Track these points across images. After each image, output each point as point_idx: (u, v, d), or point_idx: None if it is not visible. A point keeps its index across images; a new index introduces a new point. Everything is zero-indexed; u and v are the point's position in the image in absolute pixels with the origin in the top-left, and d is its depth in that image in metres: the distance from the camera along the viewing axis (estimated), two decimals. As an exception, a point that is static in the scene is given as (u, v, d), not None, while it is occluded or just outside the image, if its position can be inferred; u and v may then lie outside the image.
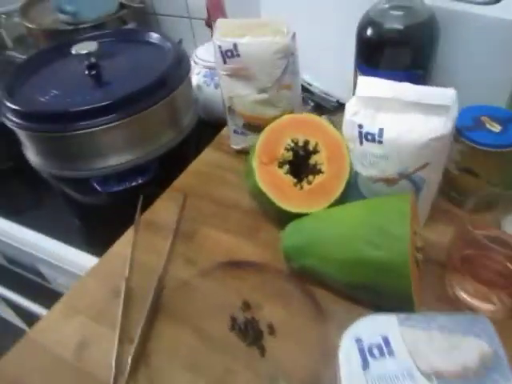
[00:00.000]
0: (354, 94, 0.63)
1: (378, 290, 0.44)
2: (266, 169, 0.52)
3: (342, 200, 0.52)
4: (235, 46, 0.57)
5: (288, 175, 0.52)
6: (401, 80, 0.49)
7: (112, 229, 0.62)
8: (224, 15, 0.82)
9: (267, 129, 0.53)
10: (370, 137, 0.48)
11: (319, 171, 0.52)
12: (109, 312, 0.51)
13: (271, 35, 0.57)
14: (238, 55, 0.58)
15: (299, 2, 0.69)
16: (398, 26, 0.52)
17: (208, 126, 0.81)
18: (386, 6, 0.53)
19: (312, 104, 0.75)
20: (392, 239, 0.42)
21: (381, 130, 0.47)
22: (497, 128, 0.51)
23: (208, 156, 0.72)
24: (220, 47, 0.58)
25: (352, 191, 0.54)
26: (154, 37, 0.75)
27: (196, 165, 0.70)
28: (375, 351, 0.39)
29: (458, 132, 0.52)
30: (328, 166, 0.52)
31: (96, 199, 0.71)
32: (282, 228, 0.57)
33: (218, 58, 0.60)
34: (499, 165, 0.52)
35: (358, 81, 0.48)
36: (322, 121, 0.54)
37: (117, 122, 0.62)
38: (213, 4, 0.83)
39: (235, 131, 0.68)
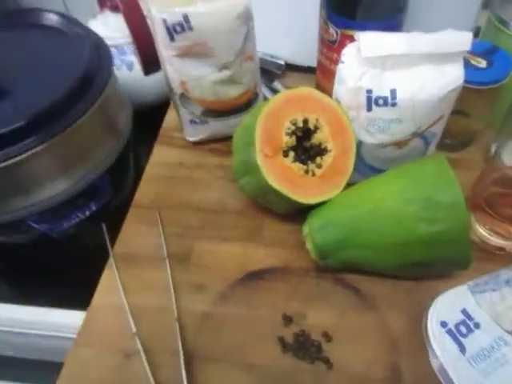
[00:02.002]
0: (321, 50, 0.57)
1: (434, 263, 0.41)
2: (272, 162, 0.44)
3: (350, 176, 0.47)
4: (186, 17, 0.46)
5: (296, 163, 0.45)
6: (384, 28, 0.44)
7: (84, 273, 0.49)
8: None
9: (262, 116, 0.44)
10: (381, 101, 0.43)
11: (325, 150, 0.46)
12: (124, 381, 0.40)
13: (227, -2, 0.47)
14: (191, 28, 0.47)
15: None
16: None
17: (134, 117, 0.67)
18: None
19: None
20: (445, 209, 0.39)
21: (393, 92, 0.42)
22: (482, 63, 0.50)
23: (161, 156, 0.60)
24: (165, 22, 0.46)
25: (356, 163, 0.49)
26: (53, 19, 0.57)
27: (152, 170, 0.58)
28: (463, 329, 0.37)
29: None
30: (334, 143, 0.46)
31: (48, 243, 0.54)
32: (287, 220, 0.51)
33: (163, 35, 0.48)
34: (489, 101, 0.51)
35: (360, 39, 0.41)
36: (316, 92, 0.46)
37: (39, 147, 0.46)
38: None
39: (192, 121, 0.57)
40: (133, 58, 0.71)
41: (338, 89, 0.46)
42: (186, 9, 0.46)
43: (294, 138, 0.45)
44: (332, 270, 0.46)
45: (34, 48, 0.56)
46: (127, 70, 0.73)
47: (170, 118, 0.64)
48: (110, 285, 0.47)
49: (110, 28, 0.71)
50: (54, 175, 0.51)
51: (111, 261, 0.48)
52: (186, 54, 0.49)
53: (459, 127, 0.54)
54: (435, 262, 0.41)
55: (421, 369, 0.39)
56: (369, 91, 0.43)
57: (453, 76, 0.42)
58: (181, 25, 0.47)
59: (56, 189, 0.51)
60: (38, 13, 0.58)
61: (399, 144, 0.47)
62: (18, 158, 0.46)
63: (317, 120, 0.46)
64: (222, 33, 0.48)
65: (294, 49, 0.66)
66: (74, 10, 0.93)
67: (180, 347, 0.41)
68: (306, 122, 0.45)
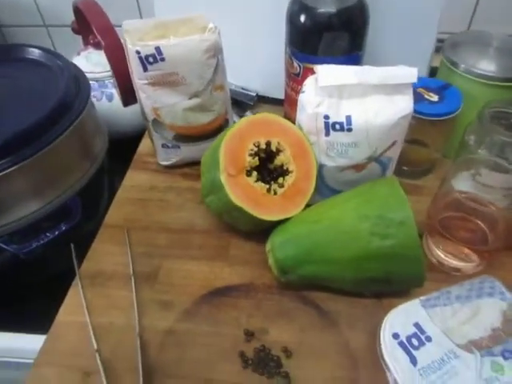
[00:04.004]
0: (287, 82, 0.61)
1: (388, 279, 0.43)
2: (235, 181, 0.46)
3: (311, 197, 0.50)
4: (158, 49, 0.49)
5: (258, 183, 0.47)
6: (342, 63, 0.48)
7: (51, 294, 0.49)
8: (106, 19, 0.71)
9: (226, 138, 0.47)
10: (337, 126, 0.46)
11: (287, 171, 0.49)
12: (85, 399, 0.40)
13: (198, 32, 0.51)
14: (163, 59, 0.50)
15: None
16: (332, 9, 0.50)
17: (111, 145, 0.70)
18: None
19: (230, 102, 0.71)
20: (396, 225, 0.41)
21: (348, 118, 0.46)
22: (434, 98, 0.54)
23: (133, 179, 0.62)
24: (138, 53, 0.50)
25: (318, 185, 0.52)
26: (35, 52, 0.61)
27: (124, 193, 0.60)
28: (414, 342, 0.38)
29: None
30: (295, 164, 0.49)
31: (15, 263, 0.54)
32: (253, 240, 0.52)
33: (136, 66, 0.51)
34: (442, 131, 0.55)
35: (318, 71, 0.45)
36: (279, 118, 0.50)
37: (13, 167, 0.48)
38: (88, 5, 0.72)
39: (164, 145, 0.59)
40: (113, 91, 0.75)
41: (300, 116, 0.49)
42: (158, 42, 0.49)
43: (256, 158, 0.47)
44: (294, 288, 0.48)
45: (17, 79, 0.59)
46: (107, 101, 0.76)
47: (145, 144, 0.67)
48: (74, 303, 0.47)
49: (92, 63, 0.76)
50: (25, 196, 0.52)
51: (77, 279, 0.49)
52: (158, 82, 0.52)
53: (418, 156, 0.58)
54: (390, 278, 0.43)
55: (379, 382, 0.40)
56: (326, 117, 0.46)
57: (402, 105, 0.45)
58: (153, 56, 0.50)
59: (27, 210, 0.52)
60: (22, 48, 0.61)
61: (357, 167, 0.50)
62: None
63: (279, 143, 0.49)
64: (192, 64, 0.51)
65: (265, 82, 0.70)
66: (60, 46, 0.98)
67: (139, 363, 0.41)
68: (268, 144, 0.48)
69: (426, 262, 0.51)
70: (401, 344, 0.38)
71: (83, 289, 0.49)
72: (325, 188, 0.52)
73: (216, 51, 0.52)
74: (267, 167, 0.49)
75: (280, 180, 0.48)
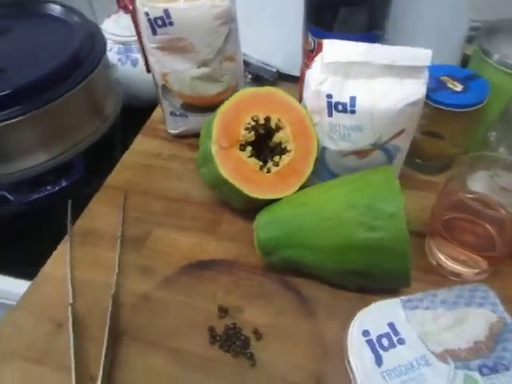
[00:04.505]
0: (303, 60, 0.58)
1: (372, 273, 0.41)
2: (226, 154, 0.45)
3: (309, 180, 0.47)
4: (167, 12, 0.48)
5: (252, 158, 0.46)
6: (359, 41, 0.44)
7: (42, 245, 0.50)
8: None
9: (222, 108, 0.45)
10: (340, 107, 0.44)
11: (285, 150, 0.47)
12: (55, 349, 0.41)
13: (209, -3, 0.49)
14: (171, 23, 0.49)
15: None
16: (353, -19, 0.47)
17: (130, 111, 0.70)
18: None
19: (250, 76, 0.69)
20: (386, 217, 0.38)
21: (352, 99, 0.43)
22: (458, 87, 0.49)
23: (142, 145, 0.62)
24: (147, 15, 0.49)
25: (318, 169, 0.50)
26: (57, 9, 0.62)
27: (130, 156, 0.60)
28: (385, 342, 0.36)
29: (421, 93, 0.49)
30: (294, 144, 0.47)
31: (13, 212, 0.57)
32: (246, 217, 0.51)
33: (146, 28, 0.50)
34: (463, 125, 0.50)
35: (324, 45, 0.42)
36: (283, 93, 0.48)
37: (22, 117, 0.50)
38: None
39: (172, 113, 0.59)
40: (138, 56, 0.74)
41: (304, 93, 0.47)
42: (167, 4, 0.48)
43: (252, 133, 0.46)
44: (278, 271, 0.46)
45: (35, 33, 0.60)
46: (132, 65, 0.76)
47: (158, 111, 0.67)
48: (62, 257, 0.48)
49: (121, 26, 0.76)
50: (32, 148, 0.54)
51: (68, 235, 0.50)
52: (167, 47, 0.51)
53: (434, 149, 0.53)
54: (374, 272, 0.40)
55: (344, 381, 0.38)
56: (329, 96, 0.44)
57: (412, 90, 0.42)
58: (162, 19, 0.49)
59: (32, 162, 0.54)
60: (43, 3, 0.62)
61: (360, 154, 0.47)
62: (2, 124, 0.49)
63: (279, 120, 0.46)
64: (201, 30, 0.50)
65: (286, 59, 0.67)
66: (99, 8, 0.99)
67: (107, 323, 0.41)
68: (268, 119, 0.46)
69: (425, 264, 0.47)
70: (369, 342, 0.36)
71: (73, 245, 0.50)
72: (326, 172, 0.50)
73: (228, 19, 0.50)
74: (267, 144, 0.47)
75: (276, 158, 0.46)
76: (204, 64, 0.53)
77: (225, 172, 0.44)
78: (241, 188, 0.44)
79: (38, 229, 0.57)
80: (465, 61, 0.60)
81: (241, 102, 0.46)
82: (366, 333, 0.36)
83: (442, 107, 0.48)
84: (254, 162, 0.45)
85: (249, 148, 0.46)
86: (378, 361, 0.35)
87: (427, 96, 0.49)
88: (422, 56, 0.41)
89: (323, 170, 0.50)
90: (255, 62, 0.69)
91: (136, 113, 0.67)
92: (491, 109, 0.50)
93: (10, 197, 0.53)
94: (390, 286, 0.42)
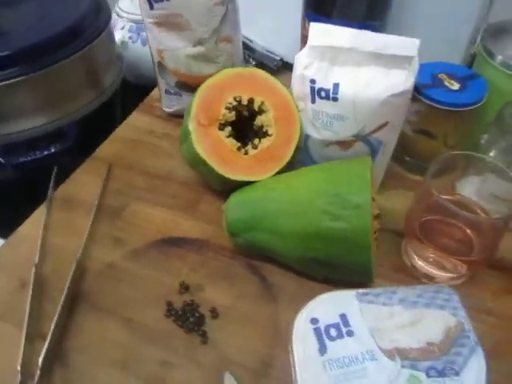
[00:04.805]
0: (301, 48, 0.57)
1: (334, 264, 0.39)
2: (204, 132, 0.44)
3: (291, 167, 0.46)
4: (163, -14, 0.48)
5: (230, 139, 0.45)
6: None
7: (22, 208, 0.51)
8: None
9: (205, 84, 0.45)
10: (323, 93, 0.43)
11: (266, 134, 0.46)
12: (16, 306, 0.42)
13: (206, -25, 0.49)
14: (168, -2, 0.49)
15: None
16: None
17: (136, 89, 0.71)
18: None
19: (254, 63, 0.68)
20: (351, 208, 0.37)
21: (336, 86, 0.42)
22: (455, 86, 0.47)
23: (136, 121, 0.62)
24: (145, -12, 0.49)
25: (302, 157, 0.49)
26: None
27: (122, 131, 0.61)
28: (333, 332, 0.35)
29: (415, 90, 0.48)
30: (276, 129, 0.46)
31: (1, 173, 0.59)
32: (225, 199, 0.50)
33: (143, 2, 0.50)
34: (457, 125, 0.48)
35: (310, 28, 0.41)
36: (269, 76, 0.47)
37: (20, 78, 0.52)
38: None
39: (167, 91, 0.59)
40: (149, 35, 0.75)
41: (292, 78, 0.46)
42: (164, -22, 0.48)
43: (233, 113, 0.45)
44: (248, 255, 0.46)
45: (41, 2, 0.61)
46: (141, 44, 0.77)
47: (157, 89, 0.67)
48: (38, 220, 0.49)
49: (135, 5, 0.76)
50: (28, 111, 0.55)
51: (48, 200, 0.51)
52: (163, 23, 0.52)
53: (424, 148, 0.52)
54: (336, 263, 0.39)
55: (291, 368, 0.37)
56: (312, 81, 0.43)
57: (397, 81, 0.40)
58: (159, -7, 0.49)
59: (28, 124, 0.55)
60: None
61: (343, 144, 0.45)
62: (0, 84, 0.51)
63: (263, 103, 0.46)
64: (197, 8, 0.50)
65: (290, 47, 0.66)
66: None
67: (66, 286, 0.41)
68: (251, 102, 0.46)
69: (399, 263, 0.46)
70: (316, 330, 0.34)
71: (52, 210, 0.50)
72: (309, 160, 0.49)
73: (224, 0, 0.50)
74: (252, 128, 0.47)
75: (256, 141, 0.46)
76: (199, 43, 0.53)
77: (200, 149, 0.44)
78: (215, 167, 0.44)
79: (22, 192, 0.59)
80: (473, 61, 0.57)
81: (225, 81, 0.46)
82: (314, 320, 0.35)
83: (435, 105, 0.47)
84: (232, 143, 0.45)
85: (228, 128, 0.45)
86: (322, 349, 0.33)
87: (420, 92, 0.48)
88: (409, 46, 0.39)
89: (307, 158, 0.49)
90: (260, 49, 0.68)
91: (144, 91, 0.68)
92: (491, 111, 0.48)
93: (1, 159, 0.54)
94: (354, 279, 0.41)
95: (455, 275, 0.44)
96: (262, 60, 0.68)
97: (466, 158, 0.42)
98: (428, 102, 0.47)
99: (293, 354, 0.33)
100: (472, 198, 0.44)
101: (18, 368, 0.36)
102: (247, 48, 0.68)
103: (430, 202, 0.41)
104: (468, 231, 0.42)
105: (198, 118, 0.44)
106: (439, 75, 0.49)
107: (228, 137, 0.45)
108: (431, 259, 0.44)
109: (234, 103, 0.45)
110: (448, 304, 0.36)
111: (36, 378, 0.36)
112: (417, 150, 0.51)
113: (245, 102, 0.46)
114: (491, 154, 0.46)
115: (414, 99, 0.48)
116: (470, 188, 0.47)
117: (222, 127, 0.45)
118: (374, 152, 0.46)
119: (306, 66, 0.43)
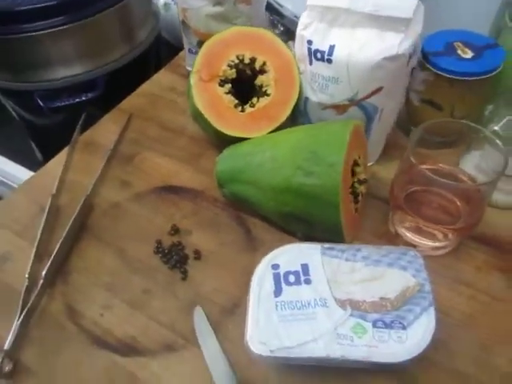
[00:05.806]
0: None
1: (309, 220, 0.41)
2: (204, 86, 0.47)
3: (289, 128, 0.48)
4: None
5: (229, 95, 0.47)
6: None
7: (54, 147, 0.57)
8: None
9: (212, 40, 0.47)
10: (319, 55, 0.43)
11: (265, 93, 0.48)
12: (33, 227, 0.48)
13: None
14: (190, -44, 0.51)
15: None
16: None
17: (176, 50, 0.75)
18: None
19: (282, 28, 0.69)
20: (324, 166, 0.38)
21: (331, 48, 0.42)
22: (468, 54, 0.45)
23: (162, 78, 0.66)
24: None
25: (302, 119, 0.50)
26: None
27: (148, 86, 0.65)
28: (291, 278, 0.37)
29: (424, 57, 0.47)
30: (275, 89, 0.47)
31: (39, 116, 0.66)
32: (223, 154, 0.53)
33: (169, -40, 0.53)
34: (465, 96, 0.46)
35: (310, -13, 0.42)
36: (274, 37, 0.48)
37: (64, 26, 0.57)
38: None
39: (190, 50, 0.62)
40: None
41: (296, 40, 0.47)
42: None
43: (234, 71, 0.47)
44: (237, 208, 0.48)
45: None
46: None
47: (185, 49, 0.70)
48: (62, 159, 0.55)
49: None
50: (67, 60, 0.61)
51: (72, 141, 0.57)
52: (187, -19, 0.54)
53: (429, 118, 0.50)
54: (309, 219, 0.41)
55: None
56: (309, 42, 0.43)
57: (390, 43, 0.40)
58: (181, -49, 0.51)
59: (64, 72, 0.61)
60: None
61: (338, 108, 0.46)
62: (46, 31, 0.57)
63: (264, 63, 0.47)
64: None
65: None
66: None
67: (74, 216, 0.47)
68: (253, 61, 0.47)
69: (384, 230, 0.46)
70: (275, 275, 0.36)
71: (75, 151, 0.56)
72: (308, 123, 0.50)
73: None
74: (246, 84, 0.49)
75: (254, 100, 0.48)
76: (218, 3, 0.54)
77: (199, 103, 0.46)
78: (211, 121, 0.46)
79: (54, 134, 0.65)
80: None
81: (229, 38, 0.47)
82: (275, 266, 0.37)
83: (440, 73, 0.45)
84: (230, 100, 0.47)
85: (228, 85, 0.47)
86: (278, 292, 0.35)
87: (428, 60, 0.46)
88: (405, 7, 0.39)
89: (306, 121, 0.50)
90: (289, 15, 0.68)
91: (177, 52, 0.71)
92: (505, 83, 0.46)
93: (41, 103, 0.61)
94: (328, 238, 0.42)
95: (439, 244, 0.43)
96: (289, 26, 0.68)
97: (459, 127, 0.41)
98: (434, 69, 0.46)
99: (250, 293, 0.36)
100: (464, 170, 0.43)
101: (26, 275, 0.43)
102: (277, 13, 0.68)
103: (413, 173, 0.41)
104: (454, 199, 0.42)
105: (199, 73, 0.46)
106: (454, 43, 0.47)
107: (227, 93, 0.47)
108: (416, 228, 0.44)
109: (236, 61, 0.47)
110: (411, 265, 0.37)
111: (39, 285, 0.42)
112: (423, 121, 0.50)
113: (247, 61, 0.47)
114: (496, 127, 0.44)
115: (422, 67, 0.47)
116: (470, 163, 0.46)
117: (222, 83, 0.47)
118: (369, 118, 0.46)
119: (305, 27, 0.43)
